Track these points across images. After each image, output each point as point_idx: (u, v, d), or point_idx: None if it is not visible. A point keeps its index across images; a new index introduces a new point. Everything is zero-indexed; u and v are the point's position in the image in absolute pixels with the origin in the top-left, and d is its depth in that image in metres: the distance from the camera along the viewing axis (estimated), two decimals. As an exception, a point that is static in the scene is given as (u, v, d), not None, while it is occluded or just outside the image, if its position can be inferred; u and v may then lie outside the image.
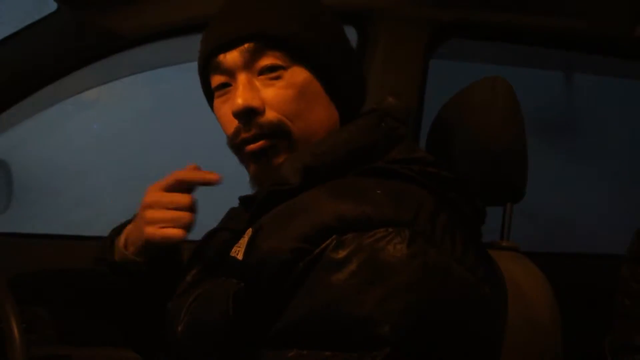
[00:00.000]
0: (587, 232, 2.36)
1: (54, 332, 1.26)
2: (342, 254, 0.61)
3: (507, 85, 0.84)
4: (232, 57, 0.74)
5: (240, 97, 0.73)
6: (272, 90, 0.74)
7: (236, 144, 0.76)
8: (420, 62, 1.24)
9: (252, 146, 0.75)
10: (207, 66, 0.78)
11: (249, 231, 0.69)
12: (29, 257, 1.29)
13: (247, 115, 0.73)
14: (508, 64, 1.65)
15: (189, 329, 0.71)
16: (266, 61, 0.74)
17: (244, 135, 0.74)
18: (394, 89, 1.21)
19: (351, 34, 1.32)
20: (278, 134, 0.74)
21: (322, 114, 0.77)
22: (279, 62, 0.74)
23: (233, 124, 0.75)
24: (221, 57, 0.75)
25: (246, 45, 0.73)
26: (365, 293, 0.60)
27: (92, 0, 1.18)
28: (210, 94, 0.80)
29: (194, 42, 1.29)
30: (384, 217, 0.63)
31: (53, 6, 1.21)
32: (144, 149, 2.63)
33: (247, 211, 0.76)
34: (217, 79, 0.77)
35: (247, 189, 0.81)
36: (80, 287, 1.30)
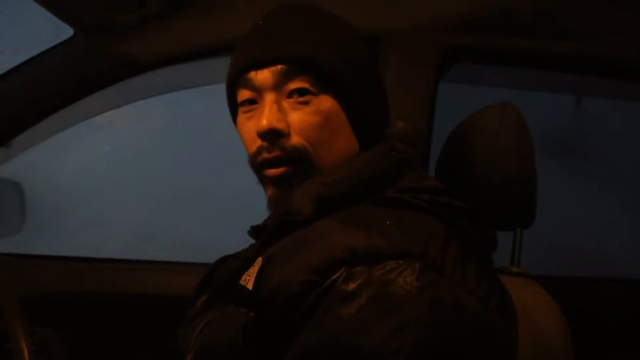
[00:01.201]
0: (595, 256, 2.34)
1: (64, 353, 1.26)
2: (352, 286, 0.61)
3: (516, 111, 0.85)
4: (263, 76, 0.74)
5: (266, 117, 0.73)
6: (299, 114, 0.74)
7: (257, 164, 0.76)
8: (429, 86, 1.25)
9: (273, 171, 0.75)
10: (237, 80, 0.77)
11: (259, 260, 0.69)
12: (41, 278, 1.30)
13: (272, 136, 0.73)
14: (518, 88, 1.65)
15: (198, 357, 0.71)
16: (296, 84, 0.74)
17: (266, 155, 0.74)
18: (403, 112, 1.21)
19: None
20: (299, 159, 0.74)
21: (343, 144, 0.76)
22: (309, 87, 0.74)
23: (256, 142, 0.75)
24: (252, 74, 0.75)
25: (279, 67, 0.74)
26: (375, 326, 0.59)
27: (107, 27, 1.21)
28: (234, 107, 0.81)
29: (206, 67, 1.32)
30: (394, 249, 0.63)
31: (70, 32, 1.24)
32: (155, 172, 2.65)
33: (258, 240, 0.76)
34: (244, 94, 0.77)
35: (261, 209, 0.81)
36: (91, 309, 1.31)
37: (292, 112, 0.74)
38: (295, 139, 0.74)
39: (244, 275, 0.70)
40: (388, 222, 0.65)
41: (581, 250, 2.44)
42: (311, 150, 0.74)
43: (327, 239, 0.65)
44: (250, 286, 0.67)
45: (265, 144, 0.74)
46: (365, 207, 0.70)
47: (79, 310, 1.30)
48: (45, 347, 1.22)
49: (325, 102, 0.75)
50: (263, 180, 0.78)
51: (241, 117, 0.78)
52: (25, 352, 0.92)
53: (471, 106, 0.95)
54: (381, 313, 0.59)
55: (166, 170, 2.64)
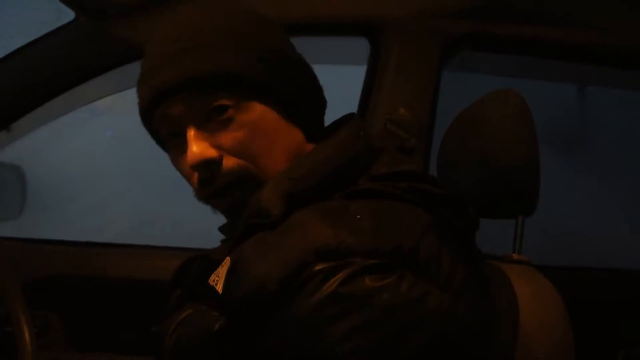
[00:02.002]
0: (597, 246, 2.35)
1: (64, 337, 1.27)
2: (312, 285, 0.59)
3: (520, 98, 0.84)
4: (175, 108, 0.68)
5: (192, 150, 0.67)
6: (225, 134, 0.69)
7: (202, 198, 0.73)
8: (432, 74, 1.24)
9: (220, 204, 0.72)
10: (150, 118, 0.72)
11: (227, 260, 0.66)
12: (41, 262, 1.30)
13: (205, 167, 0.69)
14: (520, 76, 1.65)
15: (173, 357, 0.70)
16: (212, 104, 0.68)
17: (207, 189, 0.70)
18: (405, 100, 1.21)
19: (364, 46, 1.33)
20: (241, 180, 0.69)
21: (284, 141, 0.72)
22: (225, 102, 0.68)
23: (194, 176, 0.71)
24: (162, 109, 0.69)
25: (188, 93, 0.67)
26: (330, 327, 0.57)
27: (109, 10, 1.20)
28: (161, 141, 0.76)
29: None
30: (362, 245, 0.60)
31: (71, 16, 1.23)
32: (156, 158, 2.64)
33: (227, 240, 0.74)
34: (164, 130, 0.72)
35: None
36: (91, 292, 1.31)
37: (219, 134, 0.69)
38: (229, 161, 0.69)
39: (213, 276, 0.67)
40: (358, 217, 0.63)
41: (583, 241, 2.44)
42: (250, 167, 0.69)
43: (297, 237, 0.62)
44: (219, 288, 0.65)
45: (202, 176, 0.70)
46: (338, 201, 0.67)
47: (79, 294, 1.30)
48: (45, 330, 1.23)
49: (250, 110, 0.69)
50: (215, 209, 0.75)
51: (171, 152, 0.74)
52: (27, 335, 0.92)
53: (471, 94, 0.95)
54: (338, 313, 0.58)
55: (166, 157, 2.64)
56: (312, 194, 0.67)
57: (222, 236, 0.83)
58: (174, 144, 0.72)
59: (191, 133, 0.68)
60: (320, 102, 0.78)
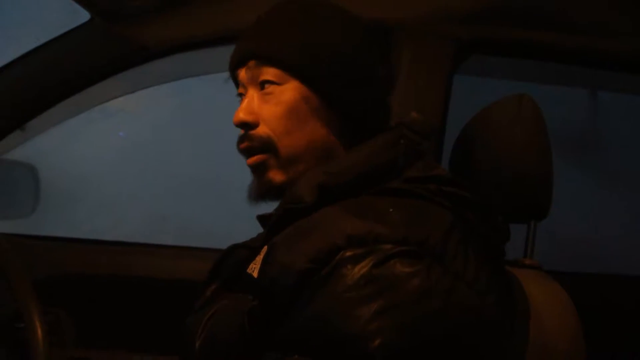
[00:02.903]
0: (609, 253, 2.33)
1: (75, 334, 1.27)
2: (343, 268, 0.62)
3: (533, 103, 0.84)
4: (242, 74, 0.81)
5: (241, 109, 0.79)
6: (266, 106, 0.79)
7: (239, 152, 0.82)
8: (444, 78, 1.24)
9: (248, 161, 0.80)
10: (234, 78, 0.84)
11: (265, 249, 0.70)
12: (52, 260, 1.32)
13: (243, 127, 0.80)
14: (531, 81, 1.64)
15: (206, 344, 0.73)
16: (263, 76, 0.79)
17: (241, 145, 0.80)
18: (417, 105, 1.21)
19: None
20: (266, 148, 0.78)
21: (312, 131, 0.78)
22: (273, 78, 0.78)
23: (240, 132, 0.82)
24: (237, 71, 0.82)
25: (250, 63, 0.79)
26: (361, 308, 0.60)
27: (123, 12, 1.21)
28: None
29: (217, 54, 1.32)
30: (393, 235, 0.63)
31: (86, 16, 1.25)
32: (167, 158, 2.66)
33: (265, 228, 0.77)
34: (238, 89, 0.84)
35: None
36: (101, 290, 1.32)
37: (262, 104, 0.79)
38: (262, 130, 0.78)
39: (251, 264, 0.72)
40: (391, 210, 0.66)
41: (594, 246, 2.42)
42: (275, 139, 0.78)
43: (326, 227, 0.66)
44: (255, 274, 0.69)
45: (243, 132, 0.80)
46: (370, 197, 0.71)
47: (90, 291, 1.32)
48: (57, 327, 1.24)
49: (289, 92, 0.78)
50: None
51: None
52: (38, 332, 0.93)
53: (482, 98, 0.95)
54: (369, 295, 0.60)
55: (177, 157, 2.65)
56: (343, 189, 0.72)
57: (231, 238, 0.87)
58: (240, 103, 0.83)
59: (251, 93, 0.80)
60: (376, 111, 0.81)
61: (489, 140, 0.85)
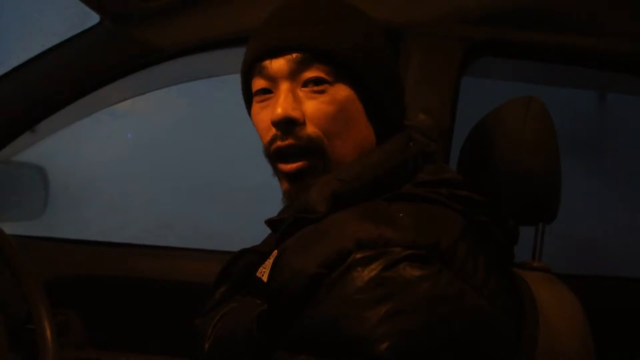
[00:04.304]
0: (617, 255, 2.31)
1: (85, 335, 1.28)
2: (355, 270, 0.61)
3: (541, 105, 0.84)
4: (278, 64, 0.73)
5: (281, 106, 0.71)
6: (315, 103, 0.72)
7: (271, 153, 0.75)
8: (452, 80, 1.24)
9: (287, 167, 0.73)
10: (251, 69, 0.76)
11: (274, 253, 0.70)
12: (62, 261, 1.32)
13: (286, 124, 0.72)
14: (539, 83, 1.64)
15: (215, 346, 0.73)
16: (312, 73, 0.72)
17: (279, 143, 0.73)
18: (425, 106, 1.21)
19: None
20: (313, 150, 0.73)
21: (359, 135, 0.75)
22: (325, 76, 0.72)
23: (270, 131, 0.74)
24: (267, 62, 0.74)
25: (295, 55, 0.72)
26: (370, 310, 0.60)
27: (133, 15, 1.22)
28: (249, 97, 0.79)
29: (226, 57, 1.32)
30: (402, 239, 0.63)
31: (95, 19, 1.25)
32: (175, 159, 2.67)
33: (274, 233, 0.76)
34: (259, 83, 0.75)
35: (277, 202, 0.82)
36: (110, 292, 1.33)
37: (308, 102, 0.72)
38: (310, 129, 0.72)
39: (260, 268, 0.71)
40: (401, 215, 0.66)
41: (602, 249, 2.41)
42: (325, 141, 0.72)
43: (337, 232, 0.65)
44: (265, 278, 0.69)
45: (279, 132, 0.73)
46: (380, 202, 0.70)
47: (99, 293, 1.32)
48: (66, 328, 1.25)
49: (341, 92, 0.73)
50: (278, 173, 0.77)
51: (256, 106, 0.77)
52: (48, 333, 0.94)
53: (490, 100, 0.94)
54: (378, 298, 0.60)
55: (185, 159, 2.66)
56: (357, 195, 0.70)
57: (239, 239, 0.87)
58: (261, 99, 0.76)
59: (286, 87, 0.73)
60: (400, 116, 0.80)
61: (497, 142, 0.85)
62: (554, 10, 1.30)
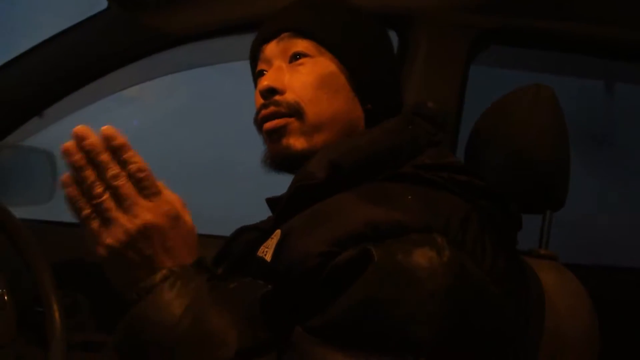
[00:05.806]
0: (624, 245, 2.31)
1: (91, 318, 1.29)
2: (377, 259, 0.60)
3: (551, 92, 0.84)
4: (270, 47, 0.83)
5: (267, 78, 0.81)
6: (296, 75, 0.81)
7: (257, 121, 0.82)
8: (460, 68, 1.23)
9: (268, 124, 0.80)
10: (255, 57, 0.86)
11: (278, 232, 0.69)
12: (71, 245, 1.33)
13: (269, 93, 0.80)
14: (547, 72, 1.63)
15: None
16: (296, 48, 0.81)
17: (264, 111, 0.81)
18: (433, 94, 1.21)
19: (392, 38, 1.32)
20: (292, 113, 0.79)
21: (341, 106, 0.81)
22: (306, 50, 0.81)
23: (259, 102, 0.82)
24: (263, 47, 0.84)
25: (282, 35, 0.82)
26: (392, 299, 0.59)
27: (141, 0, 1.22)
28: (256, 82, 0.87)
29: (233, 43, 1.32)
30: (416, 222, 0.63)
31: (103, 4, 1.25)
32: (182, 146, 2.67)
33: (275, 211, 0.76)
34: (258, 67, 0.85)
35: (280, 188, 0.82)
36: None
37: (291, 74, 0.81)
38: (289, 96, 0.80)
39: (262, 247, 0.71)
40: (409, 197, 0.66)
41: (609, 240, 2.40)
42: (303, 105, 0.79)
43: (347, 212, 0.65)
44: (268, 258, 0.68)
45: (264, 100, 0.81)
46: (384, 182, 0.71)
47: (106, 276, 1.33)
48: (74, 310, 1.26)
49: (323, 64, 0.81)
50: (264, 138, 0.83)
51: (256, 87, 0.86)
52: (56, 315, 0.95)
53: (501, 89, 0.94)
54: (407, 284, 0.60)
55: (191, 145, 2.66)
56: (355, 168, 0.72)
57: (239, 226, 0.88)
58: (259, 81, 0.85)
59: (277, 64, 0.82)
60: (391, 98, 0.86)
61: (506, 130, 0.84)
62: (562, -1, 1.29)
